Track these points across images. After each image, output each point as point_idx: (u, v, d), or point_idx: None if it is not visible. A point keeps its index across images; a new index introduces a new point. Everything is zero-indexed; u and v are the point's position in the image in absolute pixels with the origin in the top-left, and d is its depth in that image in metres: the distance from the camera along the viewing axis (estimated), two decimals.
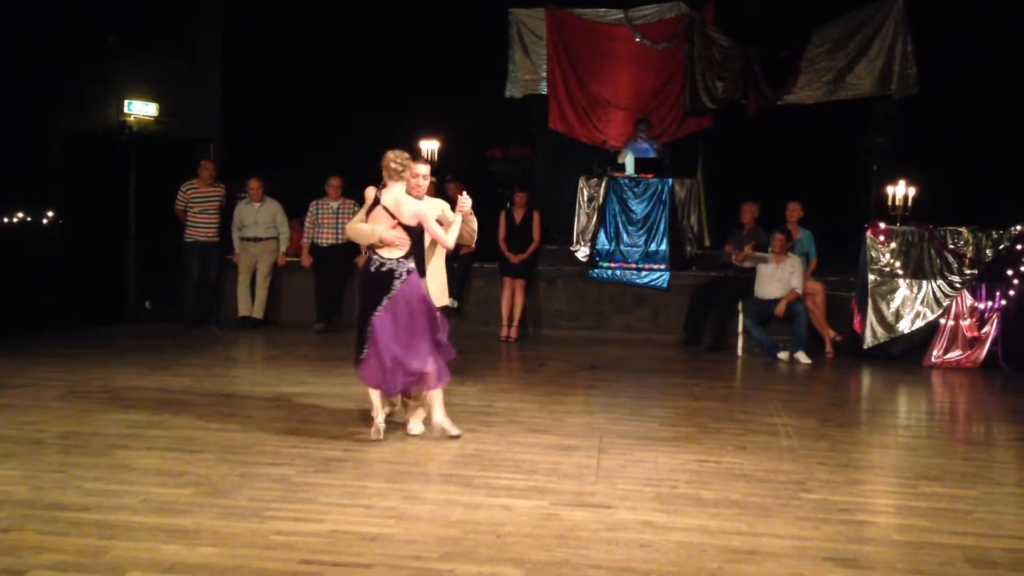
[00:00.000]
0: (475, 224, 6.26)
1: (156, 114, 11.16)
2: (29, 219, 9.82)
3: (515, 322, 10.37)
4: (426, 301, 5.80)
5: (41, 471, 5.02)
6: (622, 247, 11.07)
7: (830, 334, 9.70)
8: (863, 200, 11.72)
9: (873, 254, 9.49)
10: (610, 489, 4.96)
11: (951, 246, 9.38)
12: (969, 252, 9.33)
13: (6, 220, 9.56)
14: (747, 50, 11.97)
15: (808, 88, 11.91)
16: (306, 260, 10.80)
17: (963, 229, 9.42)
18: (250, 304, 10.79)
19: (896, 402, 8.12)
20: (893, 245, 9.46)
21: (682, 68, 12.33)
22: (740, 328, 9.83)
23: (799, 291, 9.53)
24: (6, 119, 9.47)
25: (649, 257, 10.96)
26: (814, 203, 10.36)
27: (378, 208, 5.81)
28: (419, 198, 5.92)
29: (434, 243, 6.05)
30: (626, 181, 11.26)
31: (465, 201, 6.06)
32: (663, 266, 10.85)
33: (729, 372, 9.04)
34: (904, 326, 9.36)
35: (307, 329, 10.55)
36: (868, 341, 9.40)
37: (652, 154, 11.68)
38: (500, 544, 4.13)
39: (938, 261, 9.38)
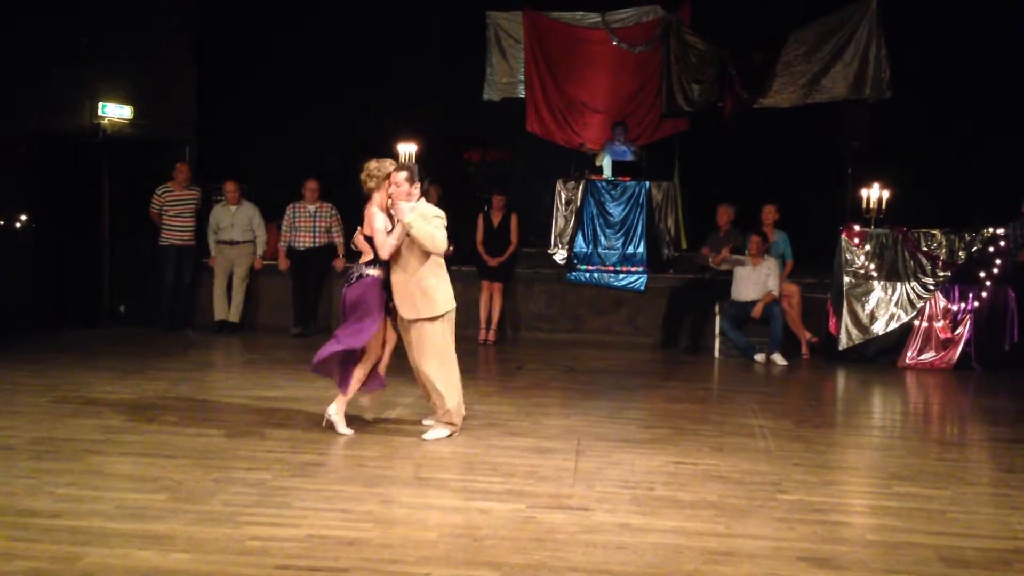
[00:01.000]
0: (428, 230, 5.76)
1: (130, 116, 11.08)
2: (2, 223, 9.72)
3: (493, 325, 10.36)
4: (357, 308, 5.92)
5: (13, 477, 4.96)
6: (600, 250, 11.09)
7: (806, 336, 9.77)
8: (838, 203, 11.82)
9: (848, 256, 9.56)
10: (588, 491, 4.96)
11: (924, 248, 9.47)
12: (942, 254, 9.43)
13: None
14: (723, 53, 12.04)
15: (784, 91, 11.98)
16: (283, 264, 10.74)
17: (936, 231, 9.52)
18: (226, 308, 10.72)
19: (871, 403, 8.18)
20: (867, 247, 9.54)
21: (659, 71, 12.38)
22: (717, 330, 9.87)
23: (775, 293, 9.59)
24: None
25: (627, 260, 11.00)
26: (790, 205, 10.44)
27: None
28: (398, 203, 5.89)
29: (418, 250, 5.88)
30: (603, 184, 11.29)
31: (399, 208, 5.79)
32: (640, 268, 10.89)
33: (706, 374, 9.08)
34: (879, 328, 9.44)
35: (284, 333, 10.50)
36: (843, 343, 9.47)
37: (630, 157, 11.72)
38: (477, 547, 4.13)
39: (912, 263, 9.46)
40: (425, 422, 6.31)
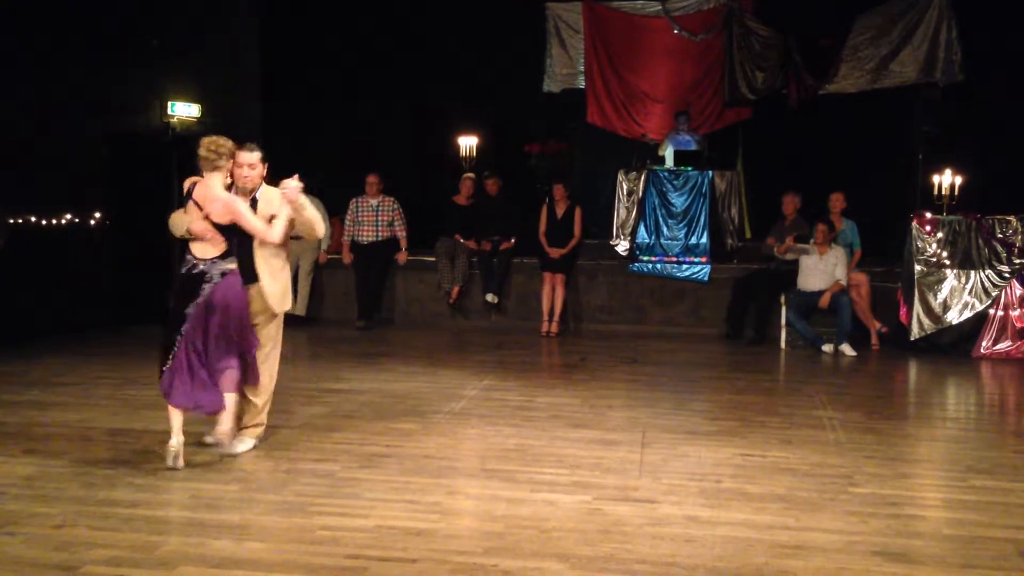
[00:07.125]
0: (311, 212, 5.50)
1: (198, 115, 11.31)
2: (76, 220, 10.00)
3: (555, 317, 10.35)
4: (241, 310, 5.23)
5: (93, 467, 5.11)
6: (662, 240, 11.00)
7: (876, 326, 9.58)
8: (908, 189, 11.56)
9: (919, 244, 9.34)
10: (654, 484, 4.94)
11: (999, 235, 9.21)
12: (1018, 241, 9.15)
13: (54, 221, 9.75)
14: (787, 39, 11.85)
15: (850, 77, 11.75)
16: (347, 257, 10.87)
17: (1012, 218, 9.24)
18: (292, 301, 10.87)
19: (944, 394, 7.99)
20: (940, 235, 9.30)
21: (721, 59, 12.24)
22: (783, 321, 9.73)
23: (843, 282, 9.41)
24: (53, 123, 9.65)
25: (689, 250, 10.90)
26: (857, 193, 10.23)
27: (189, 202, 5.20)
28: (250, 190, 5.43)
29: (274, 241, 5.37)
30: (666, 174, 11.20)
31: (287, 185, 5.33)
32: (704, 259, 10.78)
33: (772, 365, 8.95)
34: (952, 317, 9.20)
35: (348, 326, 10.62)
36: (915, 332, 9.26)
37: (693, 146, 11.60)
38: (544, 539, 4.13)
39: (986, 250, 9.21)
40: (211, 439, 5.33)
